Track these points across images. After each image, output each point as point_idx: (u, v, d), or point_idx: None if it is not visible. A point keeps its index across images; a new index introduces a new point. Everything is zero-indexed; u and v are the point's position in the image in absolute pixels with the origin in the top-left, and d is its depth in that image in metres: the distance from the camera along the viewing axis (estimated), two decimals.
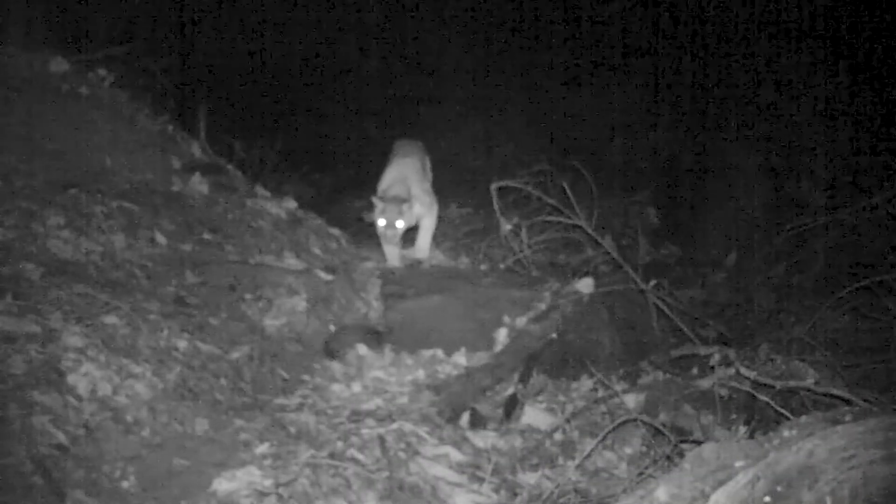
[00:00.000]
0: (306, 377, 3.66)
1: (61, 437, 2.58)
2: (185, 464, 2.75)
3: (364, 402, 3.45)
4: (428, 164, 5.07)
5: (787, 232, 5.59)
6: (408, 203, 4.34)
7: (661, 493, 1.91)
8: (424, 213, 4.64)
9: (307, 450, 2.92)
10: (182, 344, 3.32)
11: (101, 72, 5.39)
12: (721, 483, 1.85)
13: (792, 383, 3.15)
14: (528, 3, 8.93)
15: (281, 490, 2.64)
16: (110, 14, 6.18)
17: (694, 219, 6.68)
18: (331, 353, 3.87)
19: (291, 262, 4.50)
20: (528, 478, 3.02)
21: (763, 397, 3.10)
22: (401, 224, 4.34)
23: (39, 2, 5.49)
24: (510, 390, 3.61)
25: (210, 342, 3.45)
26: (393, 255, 4.66)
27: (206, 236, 4.40)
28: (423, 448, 3.08)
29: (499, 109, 8.21)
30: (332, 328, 4.08)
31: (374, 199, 4.41)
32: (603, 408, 3.45)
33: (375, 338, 4.00)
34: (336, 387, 3.59)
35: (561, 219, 4.51)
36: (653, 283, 4.20)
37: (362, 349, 3.89)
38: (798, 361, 3.54)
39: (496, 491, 2.92)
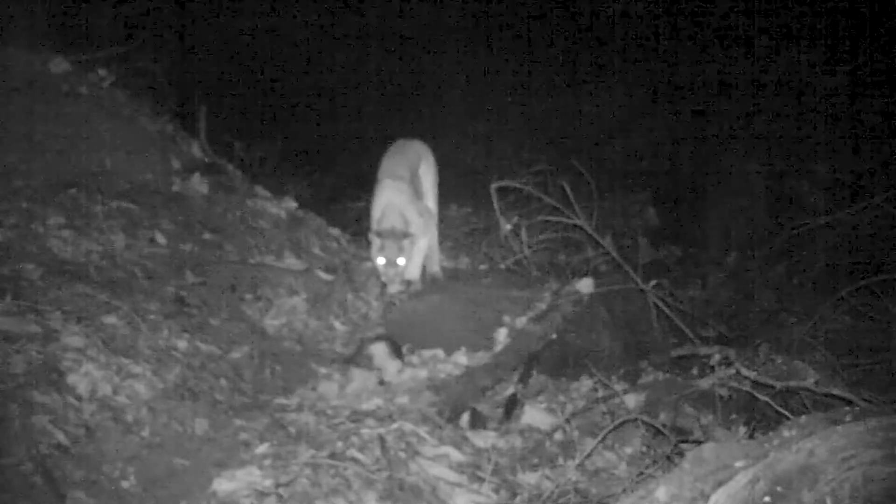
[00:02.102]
0: (306, 377, 3.66)
1: (61, 437, 2.58)
2: (185, 464, 2.75)
3: (364, 402, 3.45)
4: (431, 168, 4.57)
5: (788, 232, 5.60)
6: (410, 238, 3.98)
7: (661, 493, 1.91)
8: (420, 233, 4.21)
9: (307, 450, 2.92)
10: (182, 344, 3.32)
11: (101, 72, 5.39)
12: (721, 483, 1.85)
13: (792, 383, 3.15)
14: (529, 3, 8.94)
15: (281, 490, 2.64)
16: (110, 14, 6.18)
17: (694, 219, 6.69)
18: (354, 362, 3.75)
19: (291, 262, 4.50)
20: (528, 478, 3.02)
21: (763, 397, 3.10)
22: (402, 261, 3.98)
23: (39, 2, 5.49)
24: (510, 390, 3.61)
25: (210, 342, 3.45)
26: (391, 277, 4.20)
27: (206, 236, 4.40)
28: (423, 448, 3.08)
29: (499, 109, 8.21)
30: (339, 327, 4.01)
31: (371, 236, 4.03)
32: (603, 408, 3.45)
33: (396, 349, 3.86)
34: (336, 387, 3.59)
35: (561, 219, 4.51)
36: (653, 283, 4.19)
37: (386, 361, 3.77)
38: (798, 361, 3.54)
39: (496, 491, 2.91)
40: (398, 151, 4.43)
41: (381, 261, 3.96)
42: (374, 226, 4.11)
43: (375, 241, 3.96)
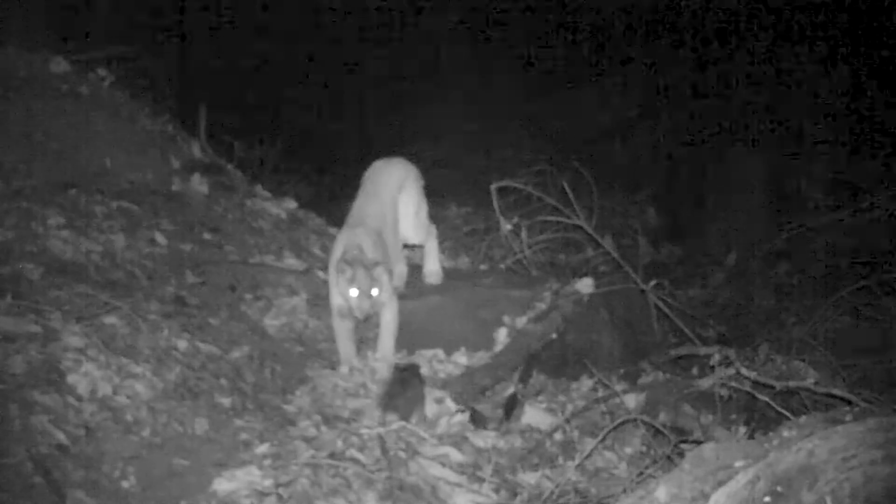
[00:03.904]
0: (307, 376, 3.66)
1: (61, 437, 2.58)
2: (185, 464, 2.75)
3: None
4: (413, 191, 4.07)
5: (787, 232, 5.60)
6: (382, 266, 3.54)
7: (661, 493, 1.91)
8: (385, 298, 3.63)
9: (307, 450, 2.92)
10: (182, 344, 3.32)
11: (101, 72, 5.40)
12: (721, 483, 1.85)
13: (792, 383, 3.15)
14: (529, 3, 8.94)
15: (281, 490, 2.64)
16: (110, 14, 6.19)
17: (694, 219, 6.69)
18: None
19: (291, 262, 4.50)
20: (528, 478, 3.02)
21: (763, 397, 3.10)
22: (376, 292, 3.51)
23: (39, 2, 5.50)
24: (510, 390, 3.61)
25: (210, 342, 3.45)
26: (348, 350, 3.71)
27: (206, 236, 4.40)
28: (423, 448, 3.08)
29: (499, 109, 8.21)
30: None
31: (340, 265, 3.52)
32: (603, 408, 3.45)
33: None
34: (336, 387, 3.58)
35: (561, 219, 4.50)
36: (653, 283, 4.19)
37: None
38: (798, 361, 3.54)
39: (496, 491, 2.91)
40: (372, 191, 3.96)
41: (353, 293, 3.47)
42: (335, 266, 3.61)
43: (346, 271, 3.48)
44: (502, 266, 4.91)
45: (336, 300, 3.63)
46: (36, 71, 5.03)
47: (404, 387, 3.34)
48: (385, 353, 3.72)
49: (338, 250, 3.64)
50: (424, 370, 3.78)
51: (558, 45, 8.81)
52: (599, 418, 3.42)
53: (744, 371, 3.25)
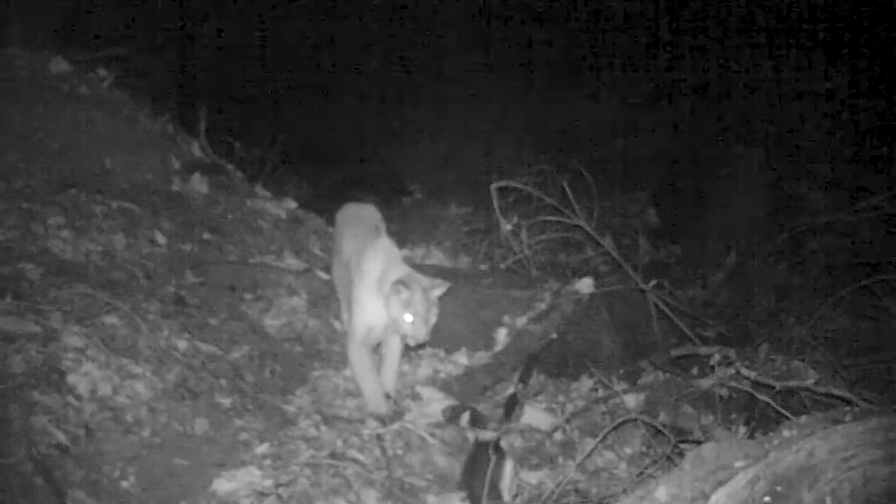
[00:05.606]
0: (307, 376, 3.66)
1: (61, 437, 2.58)
2: (185, 464, 2.75)
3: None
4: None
5: (787, 232, 5.60)
6: (443, 287, 3.15)
7: (661, 493, 1.91)
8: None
9: (307, 450, 2.92)
10: (182, 344, 3.32)
11: (101, 72, 5.40)
12: (721, 483, 1.85)
13: (792, 383, 3.15)
14: (529, 2, 8.95)
15: (281, 490, 2.64)
16: (110, 14, 6.19)
17: (694, 219, 6.69)
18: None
19: (291, 262, 4.50)
20: (528, 478, 3.02)
21: (763, 397, 3.10)
22: (434, 319, 3.13)
23: (39, 2, 5.50)
24: (510, 390, 3.61)
25: (210, 342, 3.45)
26: (375, 389, 3.30)
27: (206, 236, 4.40)
28: (423, 448, 3.08)
29: (499, 109, 8.21)
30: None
31: (396, 285, 3.07)
32: (603, 408, 3.45)
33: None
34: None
35: (561, 219, 4.50)
36: (653, 283, 4.19)
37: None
38: (798, 361, 3.54)
39: None
40: (360, 217, 3.77)
41: (408, 318, 3.07)
42: (374, 285, 3.20)
43: (402, 293, 3.06)
44: (502, 266, 4.91)
45: (370, 323, 3.21)
46: (36, 71, 5.03)
47: (489, 465, 2.86)
48: (389, 389, 3.39)
49: (375, 264, 3.24)
50: (426, 370, 3.79)
51: (558, 44, 8.81)
52: (599, 418, 3.42)
53: (744, 371, 3.25)
